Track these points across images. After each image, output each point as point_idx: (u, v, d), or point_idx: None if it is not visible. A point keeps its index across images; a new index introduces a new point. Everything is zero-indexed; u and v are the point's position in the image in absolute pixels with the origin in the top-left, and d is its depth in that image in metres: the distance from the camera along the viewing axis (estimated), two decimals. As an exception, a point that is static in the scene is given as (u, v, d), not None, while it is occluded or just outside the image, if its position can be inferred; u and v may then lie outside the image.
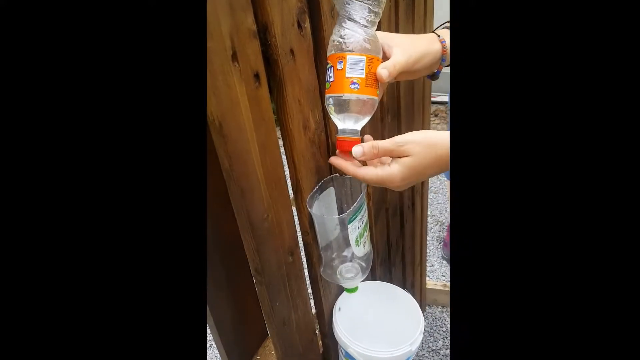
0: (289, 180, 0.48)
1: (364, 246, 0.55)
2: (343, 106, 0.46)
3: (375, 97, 0.47)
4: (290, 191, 0.50)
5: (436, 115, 3.09)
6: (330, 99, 0.46)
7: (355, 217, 0.51)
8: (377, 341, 0.62)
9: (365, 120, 0.48)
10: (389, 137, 0.82)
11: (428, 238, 1.91)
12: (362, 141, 0.48)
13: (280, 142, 0.46)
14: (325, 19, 0.49)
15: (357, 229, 0.52)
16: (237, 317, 0.53)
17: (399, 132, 0.86)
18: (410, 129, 0.93)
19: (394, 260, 1.00)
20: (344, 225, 0.50)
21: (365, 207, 0.53)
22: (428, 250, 1.86)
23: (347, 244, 0.53)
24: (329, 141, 0.56)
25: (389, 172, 0.44)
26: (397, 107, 0.83)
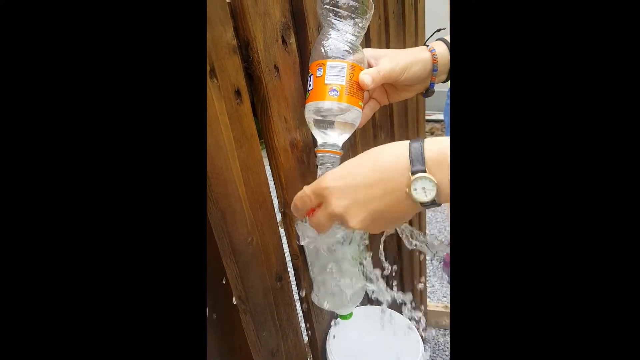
0: (276, 201, 0.46)
1: (357, 269, 0.52)
2: (321, 116, 0.44)
3: (358, 108, 0.45)
4: (278, 213, 0.47)
5: (432, 134, 3.10)
6: (309, 109, 0.44)
7: (349, 242, 0.48)
8: (374, 371, 0.58)
9: (347, 134, 0.46)
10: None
11: (427, 258, 1.87)
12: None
13: (267, 161, 0.44)
14: (311, 35, 0.48)
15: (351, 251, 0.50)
16: (224, 349, 0.50)
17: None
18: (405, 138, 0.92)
19: (392, 283, 0.97)
20: (336, 247, 0.48)
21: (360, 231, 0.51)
22: (428, 271, 1.82)
23: (340, 267, 0.50)
24: (318, 160, 0.54)
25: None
26: (390, 125, 0.81)
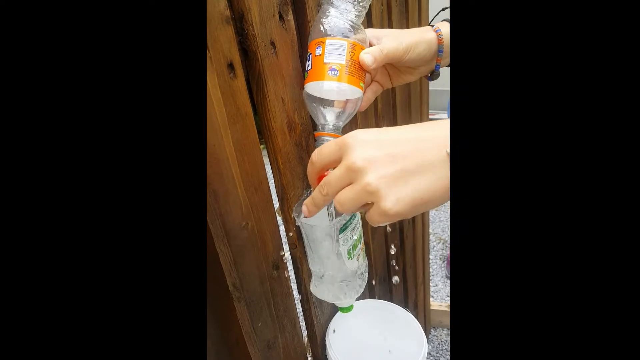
0: (273, 188, 0.44)
1: (357, 259, 0.50)
2: (320, 97, 0.42)
3: (359, 89, 0.43)
4: (275, 199, 0.45)
5: (436, 133, 3.06)
6: (307, 89, 0.42)
7: (347, 227, 0.46)
8: (376, 366, 0.56)
9: (347, 116, 0.44)
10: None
11: (431, 257, 1.84)
12: None
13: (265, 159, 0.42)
14: (310, 14, 0.46)
15: (349, 240, 0.48)
16: (221, 344, 0.48)
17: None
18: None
19: (395, 279, 0.95)
20: (335, 235, 0.46)
21: (358, 216, 0.49)
22: (431, 270, 1.80)
23: (340, 258, 0.48)
24: (318, 146, 0.52)
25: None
26: (393, 115, 0.79)
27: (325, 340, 0.58)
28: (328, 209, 0.46)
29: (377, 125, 0.72)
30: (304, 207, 0.36)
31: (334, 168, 0.32)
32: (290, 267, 0.49)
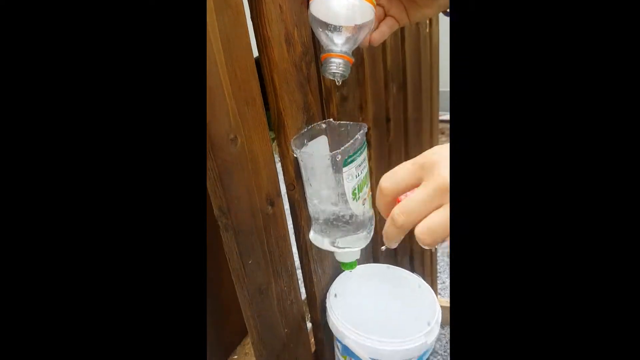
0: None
1: (363, 204, 0.44)
2: (329, 14, 0.37)
3: (370, 6, 0.38)
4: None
5: (442, 133, 3.02)
6: (312, 10, 0.38)
7: (353, 160, 0.41)
8: (383, 331, 0.50)
9: (358, 37, 0.39)
10: (394, 109, 0.73)
11: (438, 254, 1.77)
12: None
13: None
14: None
15: (355, 177, 0.42)
16: (213, 311, 0.42)
17: (405, 106, 0.77)
18: (418, 103, 0.84)
19: (402, 259, 0.88)
20: (337, 168, 0.40)
21: (365, 154, 0.44)
22: (439, 267, 1.73)
23: (343, 198, 0.43)
24: (321, 82, 0.47)
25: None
26: (403, 78, 0.74)
27: (325, 304, 0.52)
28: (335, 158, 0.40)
29: (386, 86, 0.67)
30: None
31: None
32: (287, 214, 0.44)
